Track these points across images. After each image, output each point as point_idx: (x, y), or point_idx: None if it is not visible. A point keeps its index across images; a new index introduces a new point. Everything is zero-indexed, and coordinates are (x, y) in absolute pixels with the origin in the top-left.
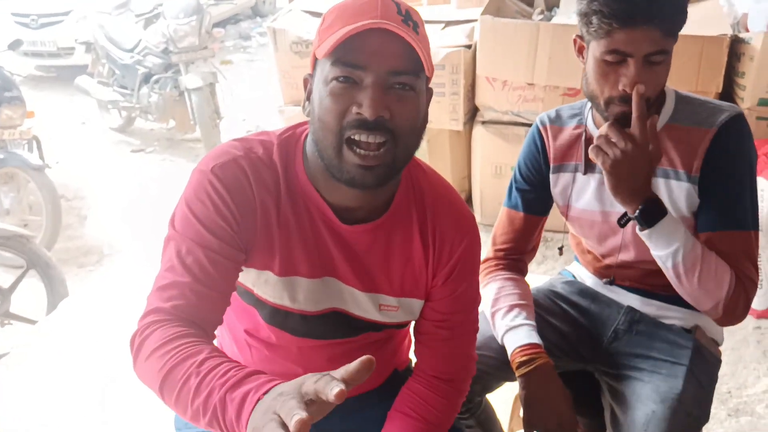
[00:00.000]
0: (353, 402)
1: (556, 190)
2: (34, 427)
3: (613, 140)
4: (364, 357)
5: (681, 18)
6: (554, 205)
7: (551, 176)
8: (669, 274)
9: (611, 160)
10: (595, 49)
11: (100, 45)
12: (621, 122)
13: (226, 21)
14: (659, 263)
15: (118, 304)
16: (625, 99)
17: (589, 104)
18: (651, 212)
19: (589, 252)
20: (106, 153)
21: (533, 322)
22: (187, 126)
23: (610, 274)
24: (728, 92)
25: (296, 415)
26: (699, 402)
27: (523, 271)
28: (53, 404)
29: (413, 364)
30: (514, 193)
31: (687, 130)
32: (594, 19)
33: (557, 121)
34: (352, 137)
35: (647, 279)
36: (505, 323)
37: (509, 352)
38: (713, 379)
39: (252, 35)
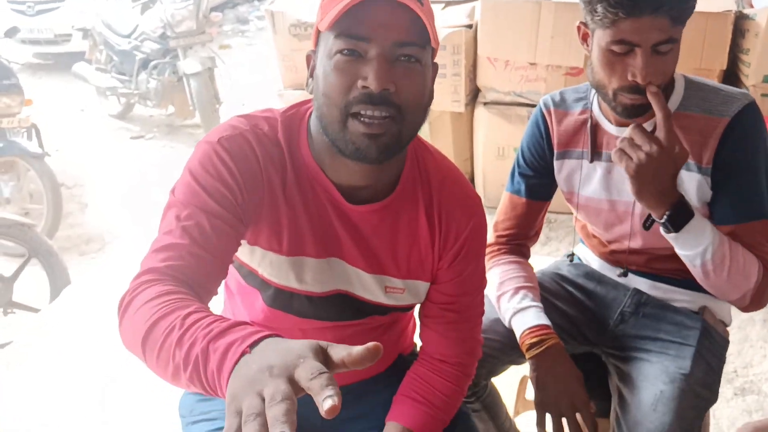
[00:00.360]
0: (358, 386)
1: (560, 177)
2: (38, 416)
3: (638, 143)
4: (371, 343)
5: (690, 4)
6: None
7: (555, 162)
8: (696, 272)
9: (635, 165)
10: (600, 38)
11: (97, 31)
12: (630, 113)
13: (224, 5)
14: (686, 262)
15: (120, 292)
16: (634, 89)
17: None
18: (678, 216)
19: (594, 236)
20: (106, 140)
21: (540, 304)
22: (187, 112)
23: (618, 260)
24: (733, 69)
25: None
26: (707, 382)
27: (526, 255)
28: (56, 391)
29: (418, 348)
30: (517, 178)
31: (697, 118)
32: (599, 8)
33: (562, 105)
34: (358, 112)
35: (655, 264)
36: (512, 306)
37: (518, 334)
38: (722, 360)
39: (250, 19)
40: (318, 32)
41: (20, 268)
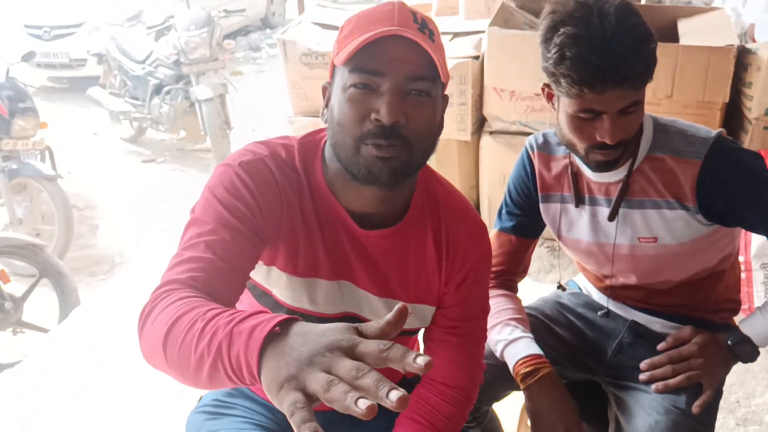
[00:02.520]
0: (348, 418)
1: (547, 218)
2: None
3: (677, 359)
4: (399, 305)
5: (651, 68)
6: None
7: (541, 205)
8: None
9: (700, 373)
10: (567, 105)
11: (112, 56)
12: (602, 167)
13: (237, 32)
14: None
15: (129, 313)
16: (604, 146)
17: None
18: (746, 349)
19: (588, 271)
20: (118, 163)
21: (531, 335)
22: (198, 136)
23: (615, 295)
24: (735, 102)
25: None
26: (702, 417)
27: (514, 290)
28: (64, 411)
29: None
30: (505, 216)
31: (667, 160)
32: (563, 81)
33: (545, 148)
34: (370, 143)
35: (651, 299)
36: (503, 338)
37: (510, 365)
38: (719, 392)
39: (262, 46)
40: (333, 66)
41: (31, 288)
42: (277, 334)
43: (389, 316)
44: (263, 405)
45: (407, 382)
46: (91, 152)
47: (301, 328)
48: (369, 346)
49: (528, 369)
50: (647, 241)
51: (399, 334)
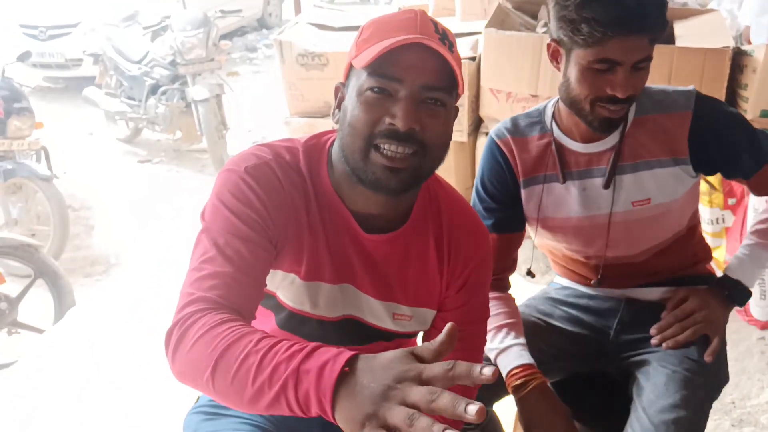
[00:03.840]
0: None
1: (529, 205)
2: None
3: (681, 317)
4: (449, 325)
5: (665, 26)
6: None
7: (523, 191)
8: None
9: (706, 324)
10: (581, 57)
11: (108, 57)
12: (605, 126)
13: (233, 33)
14: None
15: (124, 314)
16: (613, 101)
17: (550, 111)
18: (739, 292)
19: (571, 260)
20: (113, 163)
21: (522, 340)
22: (194, 137)
23: (597, 273)
24: (731, 104)
25: None
26: (716, 364)
27: (505, 288)
28: (60, 412)
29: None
30: (484, 214)
31: (657, 118)
32: (584, 27)
33: (517, 132)
34: (381, 145)
35: (638, 278)
36: (495, 345)
37: (504, 374)
38: (723, 340)
39: (258, 47)
40: (349, 67)
41: (26, 288)
42: (346, 374)
43: (442, 336)
44: None
45: None
46: (86, 153)
47: (366, 363)
48: (434, 370)
49: (518, 382)
50: (641, 204)
51: (398, 336)
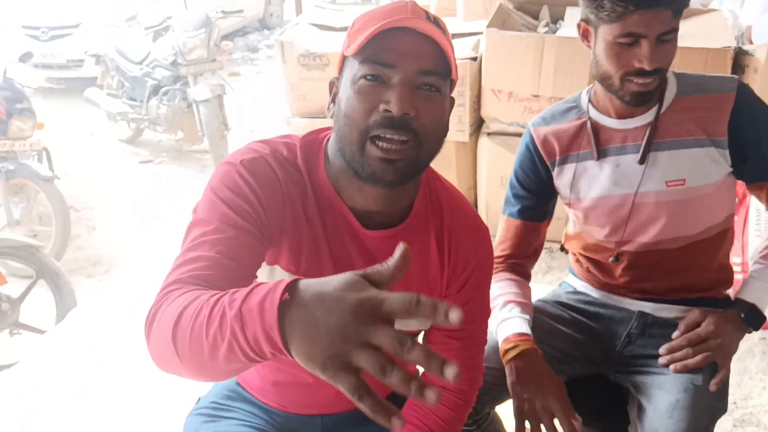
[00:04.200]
0: (359, 414)
1: (561, 184)
2: None
3: (695, 340)
4: (400, 245)
5: None
6: (556, 209)
7: (555, 169)
8: None
9: (723, 352)
10: (606, 32)
11: (109, 57)
12: (638, 100)
13: (234, 33)
14: None
15: (125, 314)
16: (642, 73)
17: (586, 95)
18: (755, 316)
19: (596, 248)
20: (115, 164)
21: (526, 316)
22: (195, 137)
23: (630, 257)
24: None
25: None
26: (719, 393)
27: (524, 274)
28: (61, 412)
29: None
30: (512, 200)
31: (699, 98)
32: (606, 3)
33: (553, 120)
34: (377, 135)
35: (658, 281)
36: (499, 317)
37: (500, 345)
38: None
39: (259, 47)
40: (343, 59)
41: (27, 289)
42: (289, 303)
43: (395, 258)
44: (261, 408)
45: None
46: (88, 153)
47: (313, 290)
48: (395, 304)
49: (509, 346)
50: (675, 184)
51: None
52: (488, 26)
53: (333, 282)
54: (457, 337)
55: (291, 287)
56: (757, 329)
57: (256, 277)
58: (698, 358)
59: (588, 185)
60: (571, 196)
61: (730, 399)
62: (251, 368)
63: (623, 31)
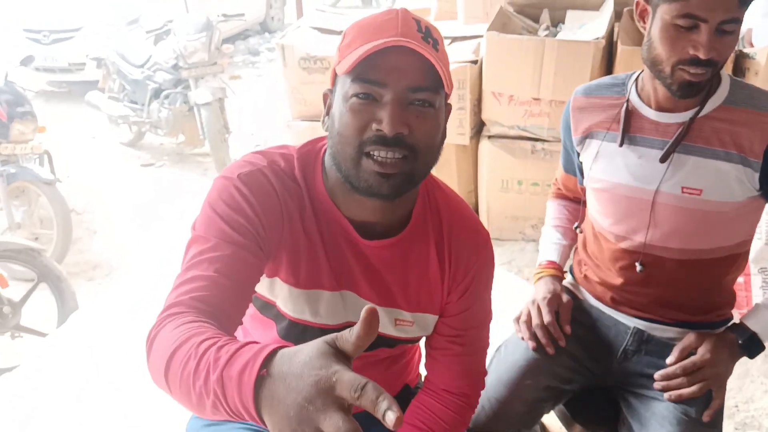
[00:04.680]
0: (363, 417)
1: (585, 157)
2: None
3: (690, 369)
4: (365, 310)
5: None
6: None
7: (583, 142)
8: None
9: (717, 381)
10: (665, 11)
11: (110, 60)
12: (686, 91)
13: (236, 37)
14: None
15: (127, 318)
16: (695, 63)
17: (634, 78)
18: (754, 344)
19: (608, 256)
20: (116, 167)
21: (564, 241)
22: (197, 140)
23: (634, 258)
24: None
25: None
26: (713, 422)
27: (575, 200)
28: (61, 416)
29: (422, 380)
30: (562, 149)
31: (743, 112)
32: None
33: (592, 92)
34: (371, 152)
35: (653, 308)
36: (542, 240)
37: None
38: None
39: (261, 51)
40: (335, 73)
41: (29, 292)
42: (264, 378)
43: (359, 326)
44: None
45: (409, 390)
46: (89, 156)
47: (281, 366)
48: (343, 390)
49: (537, 271)
50: (691, 192)
51: (402, 342)
52: (489, 29)
53: (300, 355)
54: (459, 343)
55: (268, 361)
56: (752, 357)
57: (255, 292)
58: (694, 388)
59: (605, 166)
60: (590, 173)
61: (732, 402)
62: None
63: (683, 11)
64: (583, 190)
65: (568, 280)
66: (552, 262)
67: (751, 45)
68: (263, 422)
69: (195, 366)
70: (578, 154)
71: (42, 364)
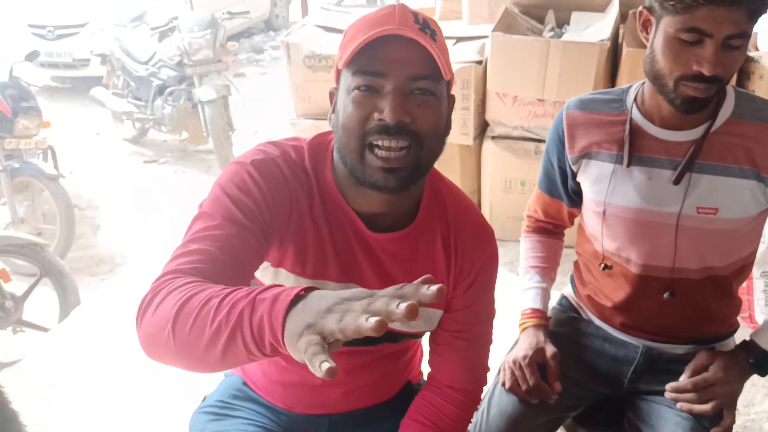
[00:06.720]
0: (366, 413)
1: (586, 179)
2: None
3: (702, 386)
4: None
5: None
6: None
7: (574, 166)
8: None
9: (725, 399)
10: (669, 24)
11: (115, 57)
12: (689, 106)
13: (240, 34)
14: None
15: (129, 314)
16: (698, 79)
17: (633, 91)
18: (765, 363)
19: (634, 281)
20: (120, 163)
21: (543, 284)
22: (200, 138)
23: (659, 285)
24: None
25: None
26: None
27: (554, 233)
28: (64, 411)
29: (425, 377)
30: (541, 172)
31: (752, 126)
32: None
33: (588, 107)
34: (374, 142)
35: (669, 330)
36: (521, 284)
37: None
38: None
39: (265, 49)
40: (338, 71)
41: (31, 287)
42: (300, 297)
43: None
44: (267, 407)
45: (411, 386)
46: (93, 152)
47: (322, 291)
48: (385, 291)
49: (520, 321)
50: (706, 212)
51: (405, 336)
52: (493, 30)
53: (342, 291)
54: (464, 338)
55: (309, 290)
56: (763, 376)
57: (254, 277)
58: (707, 406)
59: (613, 190)
60: (591, 195)
61: None
62: (258, 370)
63: (688, 25)
64: (571, 214)
65: (568, 291)
66: (535, 311)
67: (757, 49)
68: (282, 334)
69: (218, 302)
70: (573, 174)
71: (44, 360)
